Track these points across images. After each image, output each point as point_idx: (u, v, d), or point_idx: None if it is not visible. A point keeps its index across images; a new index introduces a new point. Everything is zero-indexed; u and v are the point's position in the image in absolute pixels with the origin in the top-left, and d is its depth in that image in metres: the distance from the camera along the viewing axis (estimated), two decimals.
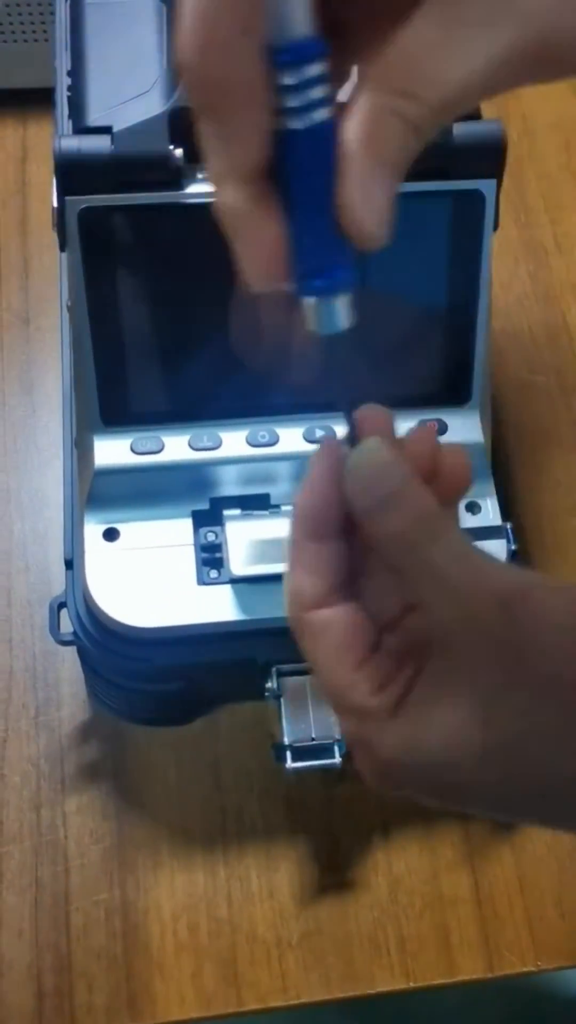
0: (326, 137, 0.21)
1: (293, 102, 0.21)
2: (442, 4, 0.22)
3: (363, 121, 0.22)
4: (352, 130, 0.22)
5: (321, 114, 0.21)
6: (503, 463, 0.61)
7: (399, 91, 0.22)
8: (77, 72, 0.42)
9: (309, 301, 0.24)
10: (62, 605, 0.47)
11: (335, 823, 0.50)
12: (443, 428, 0.47)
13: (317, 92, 0.21)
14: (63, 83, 0.44)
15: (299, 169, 0.22)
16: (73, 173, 0.40)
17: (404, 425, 0.46)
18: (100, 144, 0.40)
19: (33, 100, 0.68)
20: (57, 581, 0.53)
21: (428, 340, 0.46)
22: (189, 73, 0.21)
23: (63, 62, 0.44)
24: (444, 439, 0.46)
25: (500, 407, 0.63)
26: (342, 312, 0.24)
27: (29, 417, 0.60)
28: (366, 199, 0.22)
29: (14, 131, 0.69)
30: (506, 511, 0.48)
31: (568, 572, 0.58)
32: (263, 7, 0.20)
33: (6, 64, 0.66)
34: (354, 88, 0.23)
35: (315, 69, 0.21)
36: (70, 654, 0.51)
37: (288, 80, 0.20)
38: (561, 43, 0.22)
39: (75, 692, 0.53)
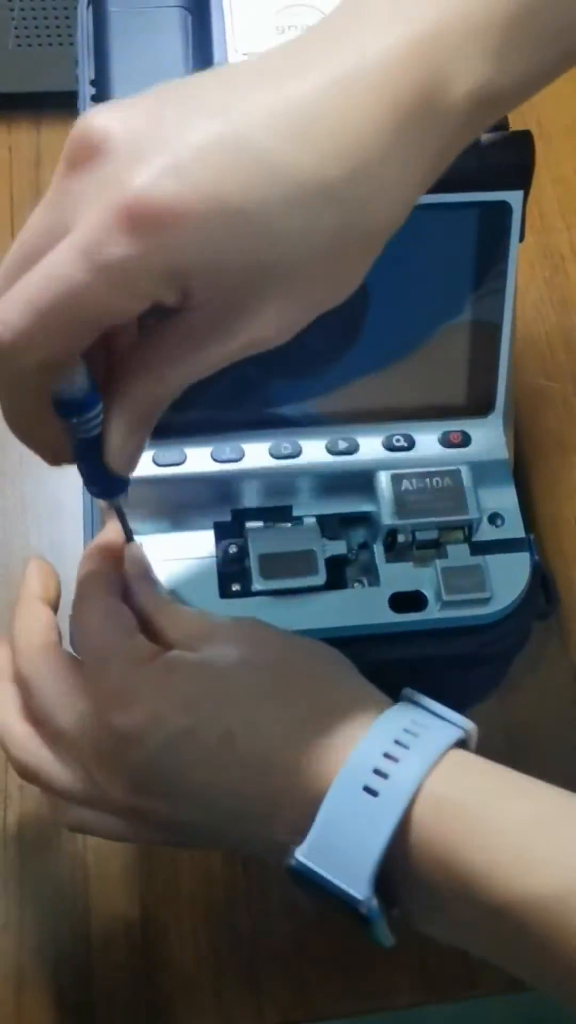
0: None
1: (79, 431, 0.33)
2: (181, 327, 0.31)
3: (120, 401, 0.32)
4: (114, 413, 0.32)
5: (95, 429, 0.33)
6: (519, 471, 0.60)
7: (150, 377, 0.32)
8: (101, 82, 0.41)
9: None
10: None
11: None
12: (466, 439, 0.46)
13: (94, 422, 0.33)
14: (86, 92, 0.43)
15: (83, 451, 0.34)
16: None
17: (430, 436, 0.46)
18: None
19: (48, 104, 0.67)
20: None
21: (452, 351, 0.46)
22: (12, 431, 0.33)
23: (86, 71, 0.44)
24: (467, 451, 0.46)
25: (515, 414, 0.62)
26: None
27: None
28: (116, 453, 0.33)
29: (28, 135, 0.68)
30: (526, 522, 0.48)
31: None
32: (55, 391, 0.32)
33: (20, 68, 0.65)
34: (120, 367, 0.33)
35: (92, 413, 0.32)
36: None
37: (74, 421, 0.32)
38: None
39: None
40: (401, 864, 0.33)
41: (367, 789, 0.33)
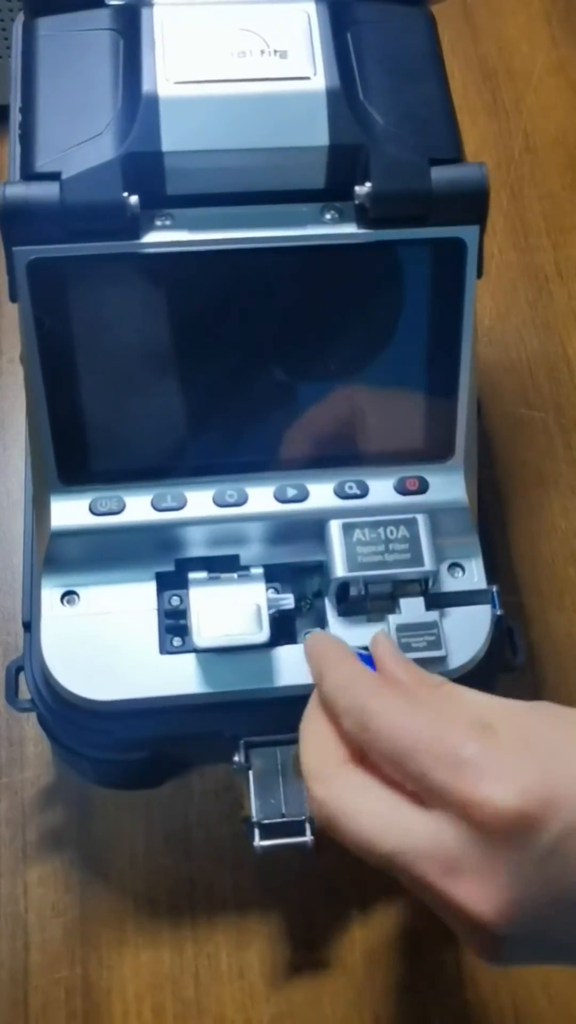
0: None
1: None
2: None
3: None
4: None
5: None
6: (495, 506, 0.58)
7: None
8: (27, 111, 0.39)
9: None
10: (20, 669, 0.45)
11: (310, 897, 0.48)
12: (424, 486, 0.44)
13: None
14: (15, 121, 0.41)
15: None
16: (20, 223, 0.37)
17: (385, 482, 0.43)
18: (48, 192, 0.37)
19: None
20: (22, 635, 0.51)
21: (408, 394, 0.43)
22: None
23: (16, 98, 0.41)
24: (426, 497, 0.44)
25: (494, 445, 0.60)
26: None
27: (0, 456, 0.58)
28: None
29: None
30: (492, 569, 0.45)
31: (563, 623, 0.55)
32: None
33: None
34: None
35: None
36: None
37: None
38: None
39: (40, 752, 0.50)
40: None
41: None
